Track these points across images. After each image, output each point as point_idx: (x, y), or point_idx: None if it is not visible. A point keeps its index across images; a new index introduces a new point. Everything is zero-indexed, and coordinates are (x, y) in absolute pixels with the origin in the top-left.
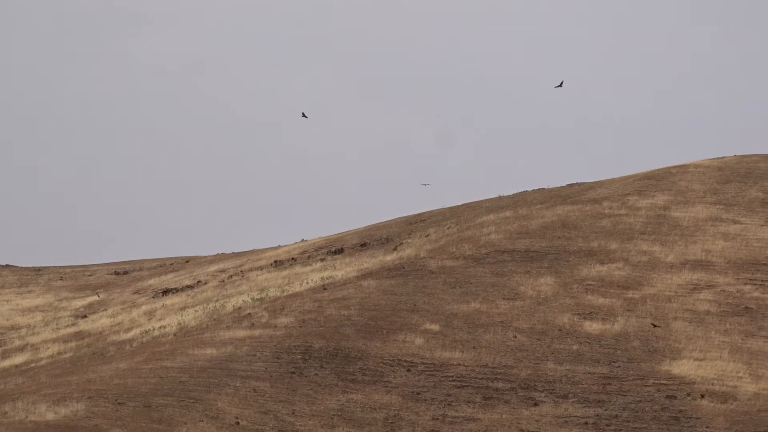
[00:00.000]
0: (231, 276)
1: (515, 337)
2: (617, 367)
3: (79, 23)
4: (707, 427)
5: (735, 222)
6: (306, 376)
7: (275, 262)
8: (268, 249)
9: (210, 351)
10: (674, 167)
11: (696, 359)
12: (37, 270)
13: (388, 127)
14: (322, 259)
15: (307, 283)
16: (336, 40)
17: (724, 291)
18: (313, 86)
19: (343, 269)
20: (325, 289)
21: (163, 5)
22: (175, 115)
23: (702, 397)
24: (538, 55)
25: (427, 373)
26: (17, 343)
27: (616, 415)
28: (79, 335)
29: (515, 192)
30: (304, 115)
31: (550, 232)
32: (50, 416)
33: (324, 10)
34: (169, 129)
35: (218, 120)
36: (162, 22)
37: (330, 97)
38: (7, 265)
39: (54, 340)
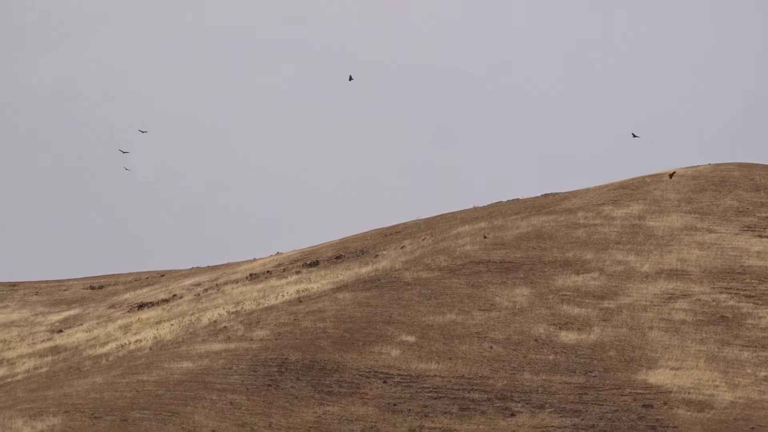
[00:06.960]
0: (206, 289)
1: (491, 347)
2: (593, 376)
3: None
4: None
5: (710, 231)
6: (282, 389)
7: (250, 275)
8: (243, 262)
9: (186, 364)
10: (649, 176)
11: (672, 368)
12: (12, 285)
13: (363, 135)
14: (297, 272)
15: (283, 295)
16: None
17: (699, 300)
18: (289, 93)
19: (319, 282)
20: (300, 301)
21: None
22: (148, 127)
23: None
24: (513, 61)
25: (403, 384)
26: None
27: (593, 425)
28: (55, 350)
29: (490, 203)
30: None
31: (525, 242)
32: (27, 431)
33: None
34: (143, 142)
35: (191, 131)
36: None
37: (305, 105)
38: None
39: (30, 355)
